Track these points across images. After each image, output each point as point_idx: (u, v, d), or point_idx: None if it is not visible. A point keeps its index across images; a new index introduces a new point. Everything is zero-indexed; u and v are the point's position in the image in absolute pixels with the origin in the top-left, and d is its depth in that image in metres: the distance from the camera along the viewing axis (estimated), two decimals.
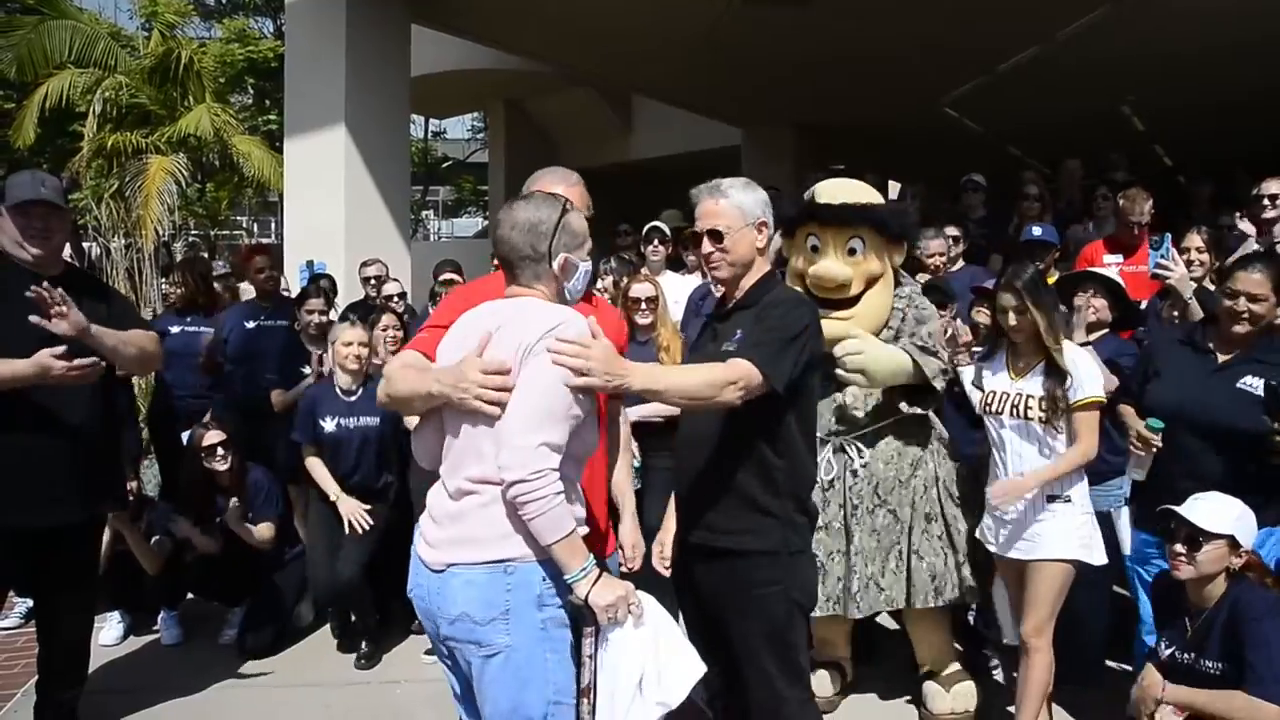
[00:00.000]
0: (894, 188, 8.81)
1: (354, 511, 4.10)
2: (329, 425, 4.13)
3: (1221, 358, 3.08)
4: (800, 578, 2.45)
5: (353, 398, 4.18)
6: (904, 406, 3.35)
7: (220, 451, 4.17)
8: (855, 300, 3.33)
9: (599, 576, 1.95)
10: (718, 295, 2.83)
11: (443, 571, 2.02)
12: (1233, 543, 2.58)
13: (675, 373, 2.42)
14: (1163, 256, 3.71)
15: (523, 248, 2.08)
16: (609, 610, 1.95)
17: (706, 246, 2.47)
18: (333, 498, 4.11)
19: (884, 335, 3.39)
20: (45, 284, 2.81)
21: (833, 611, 3.35)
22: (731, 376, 2.20)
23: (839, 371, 3.22)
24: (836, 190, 3.38)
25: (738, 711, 2.51)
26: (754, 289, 2.49)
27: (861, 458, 3.37)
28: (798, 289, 3.29)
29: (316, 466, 4.18)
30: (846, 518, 3.37)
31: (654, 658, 2.03)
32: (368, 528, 4.10)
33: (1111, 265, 4.62)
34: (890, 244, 3.38)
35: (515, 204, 2.14)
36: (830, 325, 3.16)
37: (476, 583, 1.98)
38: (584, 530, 2.04)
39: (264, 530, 4.27)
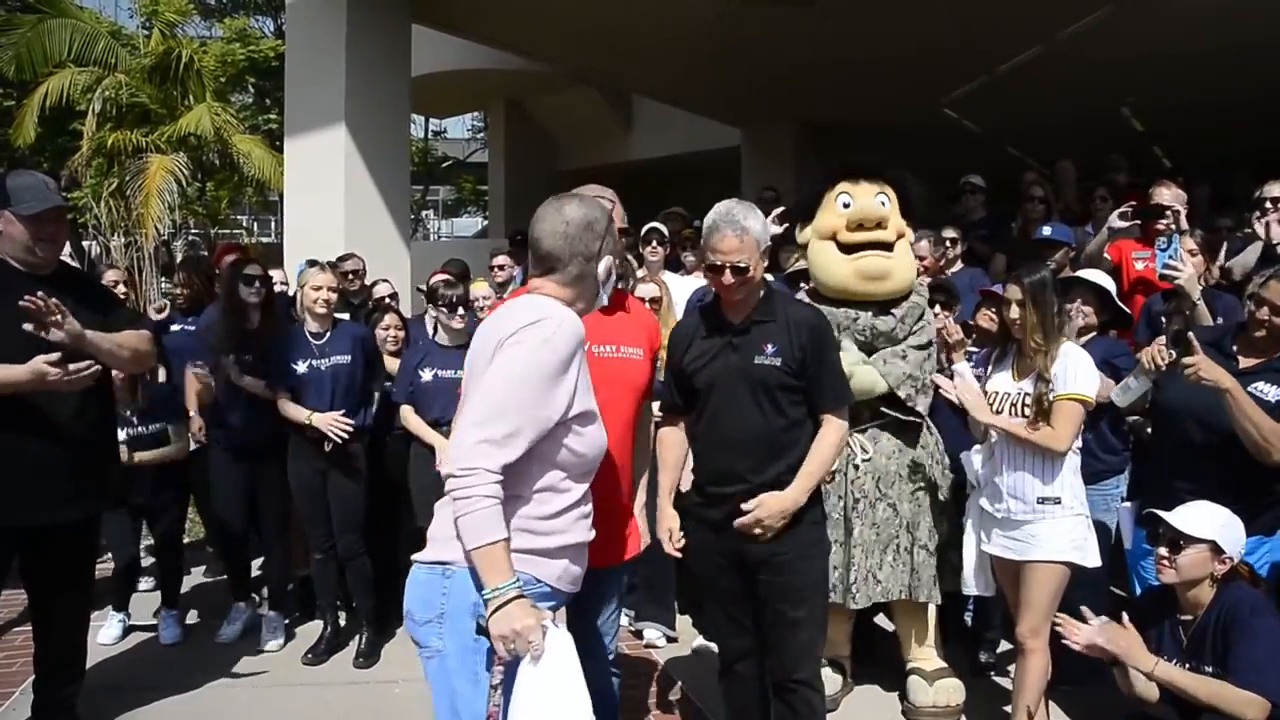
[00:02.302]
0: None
1: (330, 422, 4.02)
2: (301, 368, 4.12)
3: (1243, 364, 3.05)
4: (829, 541, 2.96)
5: (322, 340, 4.18)
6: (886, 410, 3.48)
7: (257, 285, 4.27)
8: (890, 247, 3.47)
9: (509, 601, 1.78)
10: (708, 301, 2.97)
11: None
12: (1215, 548, 2.60)
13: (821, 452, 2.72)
14: (1171, 257, 3.71)
15: (577, 246, 2.07)
16: (503, 641, 1.79)
17: (729, 278, 2.64)
18: (305, 419, 4.04)
19: (905, 310, 3.50)
20: (40, 294, 2.80)
21: (832, 599, 3.37)
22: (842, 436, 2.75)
23: None
24: None
25: (775, 664, 2.78)
26: (763, 304, 2.73)
27: (865, 452, 3.45)
28: (827, 244, 3.51)
29: (287, 404, 4.11)
30: (847, 510, 3.44)
31: (539, 701, 1.82)
32: (348, 435, 4.04)
33: (1139, 260, 4.63)
34: (907, 215, 3.57)
35: (564, 202, 2.14)
36: (878, 260, 3.43)
37: (419, 581, 1.99)
38: (579, 537, 2.03)
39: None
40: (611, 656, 2.70)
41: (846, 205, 3.50)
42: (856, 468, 3.44)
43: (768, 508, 2.61)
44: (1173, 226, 4.49)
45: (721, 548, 2.76)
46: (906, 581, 3.43)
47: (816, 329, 2.73)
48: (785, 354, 2.66)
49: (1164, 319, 3.98)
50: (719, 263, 2.65)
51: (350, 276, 5.62)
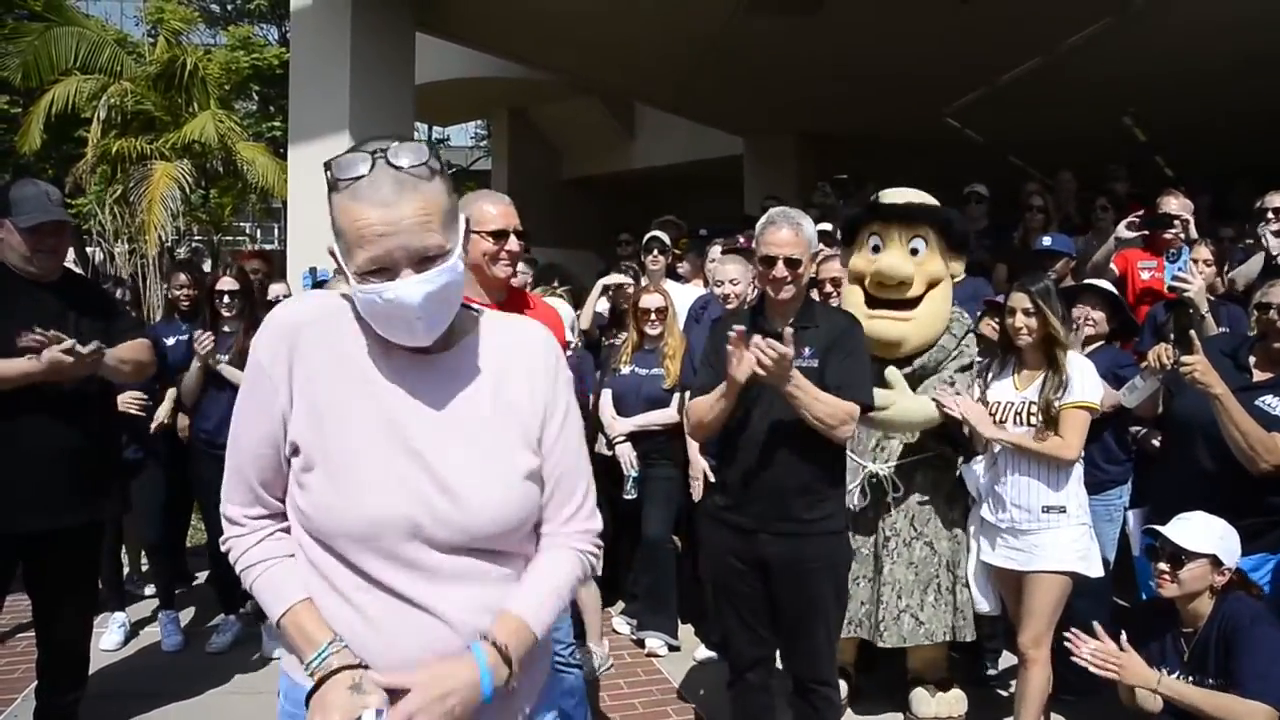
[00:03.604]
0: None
1: None
2: None
3: (1257, 377, 3.03)
4: (850, 549, 2.98)
5: None
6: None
7: (227, 300, 4.26)
8: (916, 302, 3.33)
9: (328, 676, 1.30)
10: (727, 309, 2.97)
11: None
12: (1215, 561, 2.60)
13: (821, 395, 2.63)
14: (1180, 269, 3.68)
15: None
16: None
17: (781, 271, 2.70)
18: None
19: (929, 356, 3.40)
20: (38, 329, 2.83)
21: (855, 634, 3.41)
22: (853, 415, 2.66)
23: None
24: (899, 195, 3.44)
25: (796, 667, 2.84)
26: (805, 311, 2.81)
27: (896, 491, 3.40)
28: (856, 290, 3.40)
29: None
30: (877, 547, 3.42)
31: None
32: None
33: (1145, 270, 4.63)
34: (951, 250, 3.40)
35: None
36: (889, 325, 3.28)
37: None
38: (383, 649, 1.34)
39: None
40: (560, 645, 2.68)
41: (876, 249, 3.35)
42: (888, 507, 3.41)
43: (776, 352, 2.46)
44: (1181, 237, 4.49)
45: (744, 552, 2.79)
46: (950, 622, 3.39)
47: (847, 331, 2.79)
48: (821, 358, 2.72)
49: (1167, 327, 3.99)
50: (773, 254, 2.70)
51: None
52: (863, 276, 3.38)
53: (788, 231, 2.71)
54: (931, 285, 3.33)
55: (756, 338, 2.52)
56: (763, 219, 2.80)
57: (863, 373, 2.74)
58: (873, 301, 3.34)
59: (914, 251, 3.32)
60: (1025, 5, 7.02)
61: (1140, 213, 4.75)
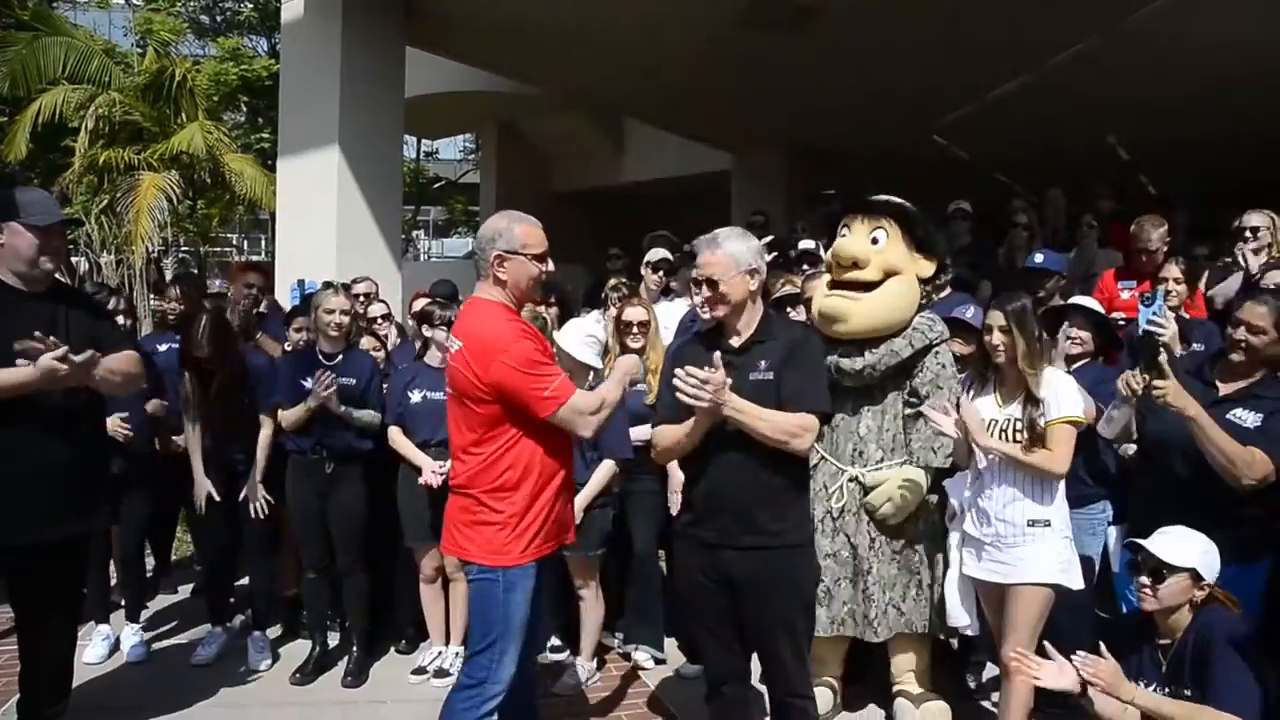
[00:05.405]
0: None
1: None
2: (309, 384, 4.06)
3: (1223, 390, 3.11)
4: (815, 561, 3.05)
5: (333, 361, 4.16)
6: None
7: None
8: (873, 288, 3.49)
9: None
10: (707, 325, 3.06)
11: None
12: (1195, 575, 2.63)
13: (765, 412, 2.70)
14: (1155, 314, 3.67)
15: None
16: None
17: (705, 291, 2.81)
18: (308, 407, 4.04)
19: (878, 357, 3.48)
20: (37, 334, 2.83)
21: (841, 633, 3.50)
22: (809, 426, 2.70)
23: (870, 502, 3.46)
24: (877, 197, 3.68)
25: (770, 682, 2.86)
26: (761, 326, 2.85)
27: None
28: (825, 276, 3.66)
29: (290, 417, 4.13)
30: (858, 549, 3.49)
31: None
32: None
33: (1125, 290, 4.66)
34: (917, 249, 3.58)
35: None
36: (837, 302, 3.49)
37: None
38: None
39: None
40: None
41: (843, 235, 3.58)
42: (869, 508, 3.47)
43: (716, 381, 2.60)
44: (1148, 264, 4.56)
45: (710, 568, 2.82)
46: (929, 615, 3.50)
47: (802, 342, 2.86)
48: (777, 370, 2.76)
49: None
50: (697, 277, 2.87)
51: (361, 299, 5.57)
52: (830, 264, 3.62)
53: (705, 254, 2.79)
54: (889, 275, 3.50)
55: (678, 370, 2.62)
56: None
57: (816, 382, 2.80)
58: (833, 285, 3.55)
59: (874, 240, 3.53)
60: (1012, 23, 7.12)
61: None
